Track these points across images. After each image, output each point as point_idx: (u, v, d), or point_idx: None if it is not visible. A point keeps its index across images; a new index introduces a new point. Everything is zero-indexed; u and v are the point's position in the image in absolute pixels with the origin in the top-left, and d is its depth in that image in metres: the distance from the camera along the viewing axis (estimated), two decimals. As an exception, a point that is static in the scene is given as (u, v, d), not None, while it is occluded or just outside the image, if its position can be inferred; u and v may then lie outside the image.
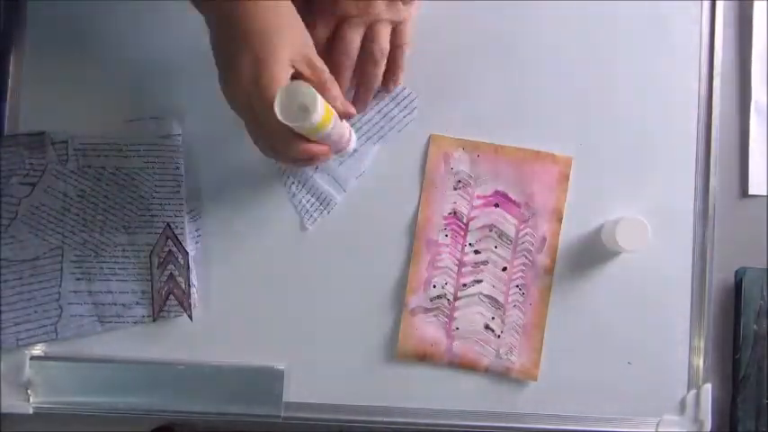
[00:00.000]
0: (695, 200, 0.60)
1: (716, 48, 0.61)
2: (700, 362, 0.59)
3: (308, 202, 0.58)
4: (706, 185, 0.60)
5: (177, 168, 0.58)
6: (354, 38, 0.54)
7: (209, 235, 0.59)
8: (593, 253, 0.59)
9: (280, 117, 0.43)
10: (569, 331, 0.58)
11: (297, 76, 0.47)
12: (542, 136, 0.59)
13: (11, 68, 0.59)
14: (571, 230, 0.59)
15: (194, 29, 0.59)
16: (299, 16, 0.49)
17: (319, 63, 0.49)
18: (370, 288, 0.58)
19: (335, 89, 0.50)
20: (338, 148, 0.53)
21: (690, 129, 0.60)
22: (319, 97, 0.44)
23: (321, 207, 0.58)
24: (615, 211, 0.59)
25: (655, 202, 0.59)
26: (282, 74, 0.46)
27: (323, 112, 0.45)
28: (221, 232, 0.59)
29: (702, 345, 0.59)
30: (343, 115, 0.51)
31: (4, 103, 0.58)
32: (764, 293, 0.60)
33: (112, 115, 0.58)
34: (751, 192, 0.61)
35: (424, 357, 0.58)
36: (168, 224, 0.57)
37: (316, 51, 0.49)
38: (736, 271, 0.61)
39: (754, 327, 0.60)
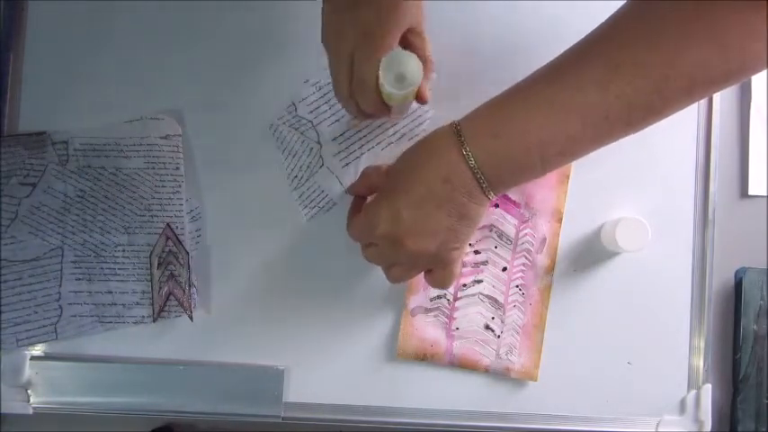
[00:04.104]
0: (695, 200, 0.60)
1: (716, 48, 0.60)
2: (700, 362, 0.59)
3: (308, 197, 0.58)
4: (706, 186, 0.60)
5: (177, 168, 0.58)
6: (382, 263, 0.51)
7: (210, 235, 0.59)
8: (593, 253, 0.59)
9: (382, 81, 0.45)
10: (569, 331, 0.58)
11: (404, 42, 0.48)
12: (542, 136, 0.59)
13: (11, 68, 0.59)
14: (571, 231, 0.59)
15: (195, 29, 0.59)
16: None
17: (427, 37, 0.49)
18: (370, 288, 0.58)
19: (430, 71, 0.50)
20: (398, 117, 0.56)
21: (690, 128, 0.60)
22: (421, 73, 0.46)
23: (322, 203, 0.58)
24: (615, 212, 0.59)
25: (655, 203, 0.59)
26: (395, 39, 0.46)
27: (416, 87, 0.47)
28: (221, 232, 0.59)
29: (702, 345, 0.59)
30: (421, 98, 0.51)
31: (4, 103, 0.58)
32: (764, 293, 0.60)
33: (112, 115, 0.58)
34: (751, 192, 0.61)
35: (424, 357, 0.58)
36: (168, 224, 0.57)
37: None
38: (736, 271, 0.61)
39: (754, 327, 0.60)
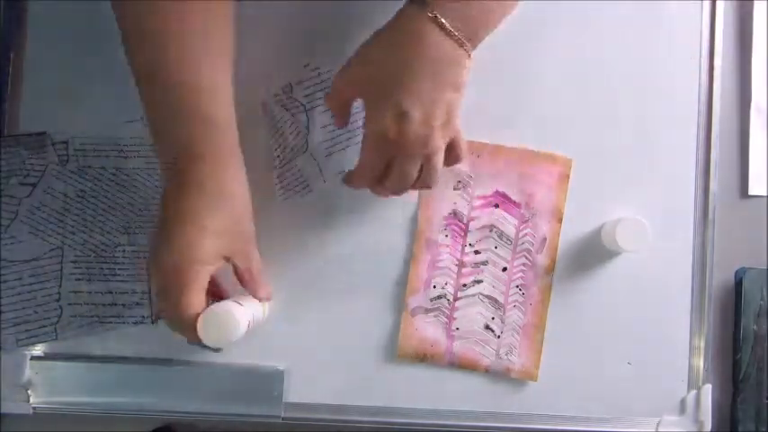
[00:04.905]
0: (695, 200, 0.60)
1: (716, 48, 0.60)
2: (700, 362, 0.59)
3: (286, 179, 0.58)
4: (706, 186, 0.60)
5: (177, 168, 0.58)
6: (413, 171, 0.50)
7: (210, 235, 0.58)
8: (593, 253, 0.59)
9: (204, 341, 0.46)
10: (569, 331, 0.58)
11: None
12: (542, 136, 0.59)
13: (11, 68, 0.59)
14: (571, 230, 0.59)
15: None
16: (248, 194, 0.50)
17: (256, 255, 0.51)
18: (370, 288, 0.58)
19: (264, 285, 0.52)
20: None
21: (690, 129, 0.60)
22: (243, 321, 0.46)
23: (298, 188, 0.58)
24: (615, 212, 0.59)
25: (655, 203, 0.59)
26: (203, 289, 0.47)
27: (244, 329, 0.47)
28: (221, 232, 0.58)
29: (702, 345, 0.59)
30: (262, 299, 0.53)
31: (4, 103, 0.58)
32: (764, 293, 0.60)
33: (112, 115, 0.58)
34: (751, 192, 0.61)
35: (424, 357, 0.58)
36: (168, 224, 0.57)
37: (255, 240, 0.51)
38: (736, 271, 0.61)
39: (754, 327, 0.60)
